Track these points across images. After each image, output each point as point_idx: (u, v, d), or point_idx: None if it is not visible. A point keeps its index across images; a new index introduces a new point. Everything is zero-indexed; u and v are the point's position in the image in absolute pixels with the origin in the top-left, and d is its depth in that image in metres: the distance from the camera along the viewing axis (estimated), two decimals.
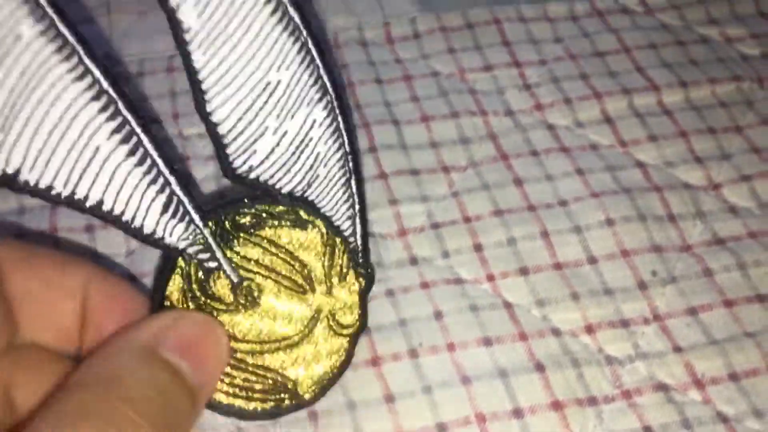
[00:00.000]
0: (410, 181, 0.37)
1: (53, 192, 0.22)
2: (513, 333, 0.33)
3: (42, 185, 0.22)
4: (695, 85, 0.41)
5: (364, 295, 0.27)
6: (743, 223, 0.36)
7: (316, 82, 0.24)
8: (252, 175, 0.25)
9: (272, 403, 0.26)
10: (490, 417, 0.31)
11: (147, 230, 0.23)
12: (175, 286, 0.25)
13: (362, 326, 0.27)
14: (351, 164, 0.26)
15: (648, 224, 0.36)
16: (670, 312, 0.34)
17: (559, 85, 0.41)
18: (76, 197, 0.22)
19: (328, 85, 0.25)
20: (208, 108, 0.23)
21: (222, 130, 0.24)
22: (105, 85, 0.21)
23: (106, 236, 0.35)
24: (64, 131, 0.21)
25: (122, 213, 0.23)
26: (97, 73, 0.21)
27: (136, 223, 0.23)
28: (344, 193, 0.26)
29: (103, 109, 0.22)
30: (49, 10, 0.20)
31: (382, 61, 0.42)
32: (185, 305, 0.25)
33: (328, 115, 0.25)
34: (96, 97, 0.21)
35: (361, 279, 0.27)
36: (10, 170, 0.21)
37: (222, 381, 0.26)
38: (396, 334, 0.32)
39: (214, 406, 0.26)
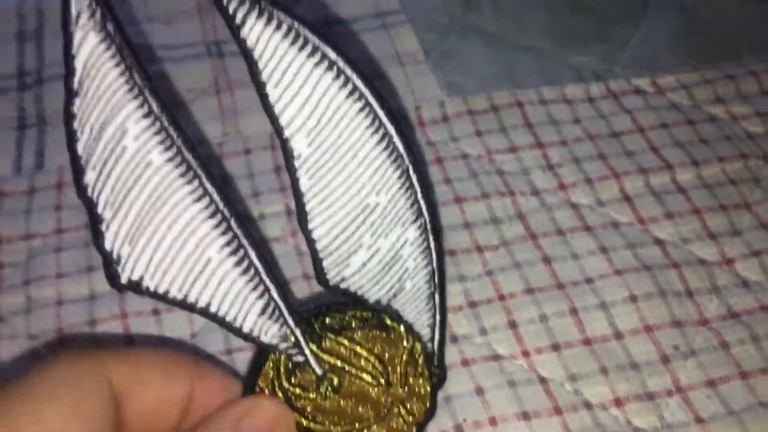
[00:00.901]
0: (448, 262, 0.41)
1: (169, 296, 0.25)
2: (549, 407, 0.36)
3: (160, 290, 0.24)
4: (706, 164, 0.45)
5: (434, 390, 0.29)
6: (755, 297, 0.39)
7: (412, 205, 0.26)
8: (343, 285, 0.27)
9: None
10: None
11: (245, 329, 0.26)
12: (265, 376, 0.28)
13: (431, 415, 0.29)
14: (437, 280, 0.28)
15: (668, 300, 0.39)
16: (692, 384, 0.37)
17: (580, 165, 0.45)
18: (188, 301, 0.25)
19: (424, 208, 0.26)
20: (310, 226, 0.25)
21: (320, 245, 0.26)
22: (221, 205, 0.24)
23: (172, 319, 0.38)
24: (182, 245, 0.24)
25: (226, 314, 0.26)
26: (215, 195, 0.24)
27: (237, 323, 0.26)
28: (427, 304, 0.28)
29: (217, 225, 0.24)
30: (178, 141, 0.23)
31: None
32: (274, 392, 0.28)
33: (420, 235, 0.27)
34: (212, 215, 0.24)
35: (434, 378, 0.29)
36: (134, 277, 0.24)
37: None
38: (442, 411, 0.35)
39: None
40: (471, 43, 0.52)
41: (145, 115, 0.23)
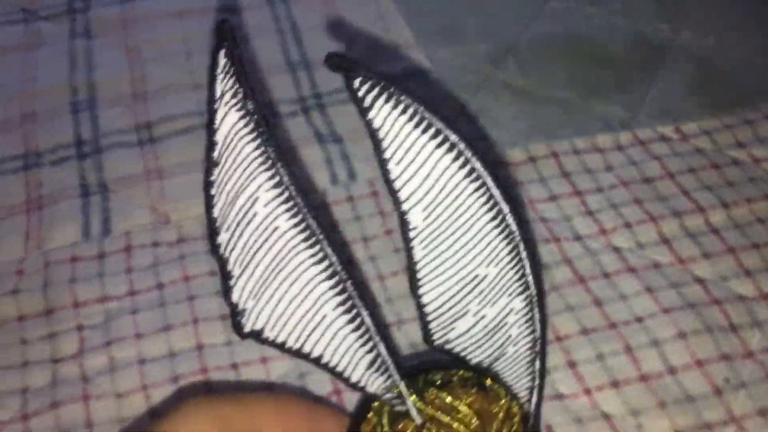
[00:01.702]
0: None
1: (286, 346, 0.27)
2: None
3: (279, 340, 0.27)
4: (735, 205, 0.48)
5: None
6: None
7: (520, 278, 0.27)
8: (447, 346, 0.29)
9: None
10: None
11: (354, 380, 0.28)
12: (369, 422, 0.29)
13: None
14: (538, 348, 0.29)
15: (715, 335, 0.42)
16: (745, 414, 0.39)
17: (618, 210, 0.48)
18: (303, 351, 0.27)
19: (531, 282, 0.27)
20: (420, 291, 0.27)
21: (428, 309, 0.28)
22: (338, 267, 0.26)
23: (249, 373, 0.40)
24: (301, 302, 0.26)
25: (337, 365, 0.28)
26: (334, 258, 0.26)
27: (346, 374, 0.28)
28: (527, 369, 0.29)
29: (334, 286, 0.26)
30: (303, 209, 0.25)
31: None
32: None
33: (525, 306, 0.28)
34: (330, 277, 0.26)
35: None
36: (257, 328, 0.27)
37: None
38: None
39: None
40: (501, 99, 0.55)
41: (276, 185, 0.25)
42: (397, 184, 0.25)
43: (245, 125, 0.25)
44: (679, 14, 0.61)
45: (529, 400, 0.30)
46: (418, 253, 0.27)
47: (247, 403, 0.29)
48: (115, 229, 0.47)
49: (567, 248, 0.46)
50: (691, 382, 0.40)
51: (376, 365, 0.28)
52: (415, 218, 0.26)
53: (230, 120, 0.25)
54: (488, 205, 0.26)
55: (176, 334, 0.42)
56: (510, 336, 0.28)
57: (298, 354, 0.27)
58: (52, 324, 0.43)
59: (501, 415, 0.29)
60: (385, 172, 0.25)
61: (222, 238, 0.26)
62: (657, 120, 0.53)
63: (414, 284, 0.27)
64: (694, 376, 0.40)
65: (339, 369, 0.28)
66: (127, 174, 0.50)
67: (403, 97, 0.24)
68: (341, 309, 0.27)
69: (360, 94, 0.24)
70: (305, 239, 0.26)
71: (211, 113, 0.25)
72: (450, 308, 0.28)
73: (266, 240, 0.25)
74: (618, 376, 0.40)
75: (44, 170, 0.50)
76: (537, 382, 0.29)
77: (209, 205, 0.26)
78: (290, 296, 0.26)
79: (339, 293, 0.26)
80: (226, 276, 0.26)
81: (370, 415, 0.29)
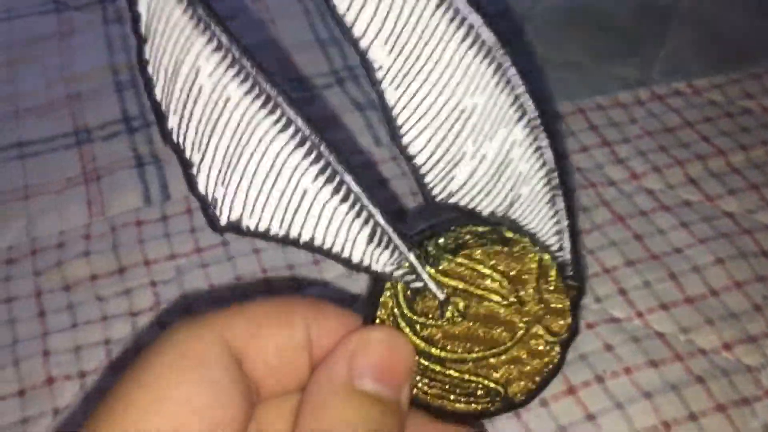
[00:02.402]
0: None
1: (271, 233, 0.24)
2: (670, 356, 0.41)
3: (261, 229, 0.24)
4: (752, 148, 0.51)
5: (575, 303, 0.27)
6: None
7: (514, 102, 0.24)
8: (452, 200, 0.25)
9: (485, 405, 0.27)
10: (672, 423, 0.38)
11: (355, 260, 0.25)
12: (385, 307, 0.26)
13: (574, 332, 0.27)
14: (556, 181, 0.25)
15: (749, 260, 0.45)
16: None
17: (646, 157, 0.51)
18: (291, 237, 0.24)
19: (527, 103, 0.24)
20: (404, 141, 0.24)
21: (419, 160, 0.24)
22: (307, 131, 0.23)
23: None
24: (275, 179, 0.23)
25: (332, 246, 0.24)
26: (300, 122, 0.23)
27: (345, 254, 0.24)
28: (550, 209, 0.26)
29: (308, 153, 0.23)
30: (253, 71, 0.22)
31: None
32: (395, 323, 0.26)
33: (529, 134, 0.24)
34: (300, 144, 0.23)
35: (571, 290, 0.26)
36: (233, 218, 0.23)
37: (436, 387, 0.26)
38: (581, 366, 0.40)
39: (431, 408, 0.26)
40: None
41: (216, 49, 0.22)
42: (348, 19, 0.22)
43: None
44: None
45: (561, 248, 0.26)
46: (391, 97, 0.23)
47: (243, 312, 0.26)
48: (173, 195, 0.49)
49: (603, 192, 0.49)
50: (732, 301, 0.43)
51: (376, 238, 0.24)
52: (378, 55, 0.23)
53: None
54: (456, 22, 0.23)
55: (246, 285, 0.44)
56: (520, 173, 0.25)
57: (286, 240, 0.24)
58: (126, 281, 0.44)
59: (534, 270, 0.26)
60: (332, 10, 0.22)
61: (171, 122, 0.22)
62: (669, 78, 0.57)
63: (396, 134, 0.24)
64: (735, 295, 0.44)
65: (336, 250, 0.24)
66: None
67: None
68: (322, 179, 0.23)
69: None
70: (263, 105, 0.23)
71: None
72: (443, 154, 0.24)
73: (220, 115, 0.22)
74: (665, 299, 0.43)
75: (96, 144, 0.52)
76: (566, 222, 0.26)
77: (148, 87, 0.22)
78: (262, 174, 0.23)
79: (315, 161, 0.23)
80: (185, 165, 0.23)
81: (384, 298, 0.26)
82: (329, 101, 0.55)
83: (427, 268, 0.25)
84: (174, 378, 0.23)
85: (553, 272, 0.26)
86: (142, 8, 0.22)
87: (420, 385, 0.26)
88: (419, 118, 0.24)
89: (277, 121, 0.23)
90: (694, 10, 0.62)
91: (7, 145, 0.52)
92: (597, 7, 0.63)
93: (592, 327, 0.42)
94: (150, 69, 0.22)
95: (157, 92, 0.22)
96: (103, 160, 0.51)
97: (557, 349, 0.27)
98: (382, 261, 0.25)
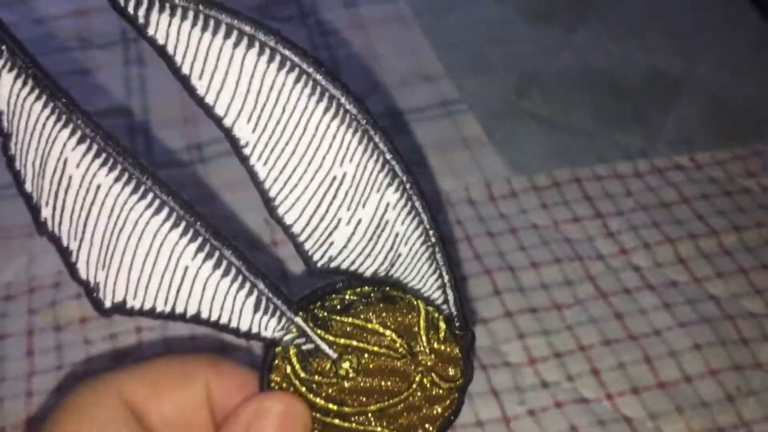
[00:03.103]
0: (531, 318, 0.46)
1: (157, 311, 0.24)
2: None
3: (146, 308, 0.24)
4: (746, 229, 0.51)
5: (467, 348, 0.27)
6: None
7: (383, 166, 0.24)
8: (333, 265, 0.25)
9: None
10: None
11: (244, 329, 0.25)
12: (279, 369, 0.26)
13: (468, 377, 0.27)
14: (433, 238, 0.26)
15: (727, 347, 0.45)
16: (755, 419, 0.42)
17: (637, 232, 0.51)
18: (177, 312, 0.24)
19: (396, 167, 0.24)
20: (279, 212, 0.24)
21: (296, 230, 0.24)
22: (181, 212, 0.23)
23: None
24: (155, 259, 0.23)
25: (219, 318, 0.24)
26: (172, 203, 0.23)
27: (233, 324, 0.25)
28: (430, 265, 0.26)
29: (184, 232, 0.23)
30: (119, 158, 0.22)
31: (490, 216, 0.52)
32: (290, 386, 0.26)
33: (401, 196, 0.25)
34: (176, 224, 0.23)
35: (460, 339, 0.27)
36: (117, 300, 0.24)
37: None
38: None
39: None
40: (527, 127, 0.59)
41: (80, 140, 0.22)
42: (209, 100, 0.22)
43: (23, 84, 0.22)
44: (694, 50, 0.65)
45: (446, 301, 0.27)
46: (260, 171, 0.24)
47: (142, 371, 0.26)
48: None
49: (590, 266, 0.49)
50: (705, 389, 0.43)
51: (262, 307, 0.25)
52: (242, 133, 0.23)
53: (6, 83, 0.22)
54: (317, 95, 0.23)
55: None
56: (397, 234, 0.25)
57: (173, 317, 0.24)
58: (113, 326, 0.46)
59: (421, 324, 0.26)
60: (190, 91, 0.22)
61: (45, 213, 0.23)
62: (673, 149, 0.57)
63: (270, 207, 0.24)
64: (709, 383, 0.43)
65: (223, 321, 0.25)
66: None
67: (177, 1, 0.21)
68: (201, 255, 0.24)
69: (130, 11, 0.21)
70: (133, 191, 0.23)
71: None
72: (319, 222, 0.25)
73: (93, 202, 0.23)
74: (638, 382, 0.44)
75: None
76: (447, 277, 0.26)
77: (18, 181, 0.23)
78: (141, 256, 0.23)
79: (192, 239, 0.23)
80: (64, 254, 0.23)
81: (277, 362, 0.26)
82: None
83: (317, 330, 0.26)
84: None
85: (441, 324, 0.27)
86: (2, 104, 0.22)
87: None
88: (291, 190, 0.24)
89: (150, 204, 0.23)
90: (707, 80, 0.62)
91: None
92: (608, 72, 0.64)
93: (560, 406, 0.43)
94: (17, 164, 0.23)
95: (27, 186, 0.23)
96: None
97: (455, 394, 0.27)
98: (270, 327, 0.25)
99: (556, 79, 0.63)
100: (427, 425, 0.27)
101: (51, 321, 0.46)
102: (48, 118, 0.22)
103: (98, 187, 0.23)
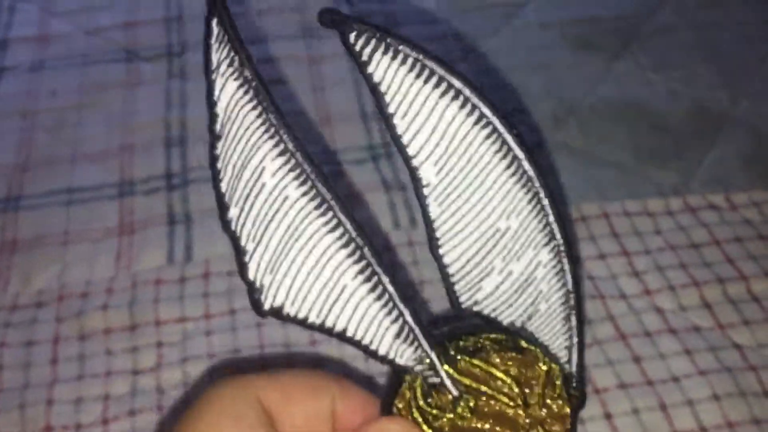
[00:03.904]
0: None
1: (309, 321, 0.26)
2: None
3: (300, 316, 0.26)
4: None
5: (575, 412, 0.28)
6: None
7: (544, 228, 0.26)
8: (476, 308, 0.27)
9: None
10: None
11: (381, 352, 0.26)
12: (402, 397, 0.28)
13: None
14: (573, 302, 0.27)
15: (748, 399, 0.44)
16: None
17: (663, 273, 0.50)
18: (326, 326, 0.26)
19: (556, 231, 0.26)
20: (441, 252, 0.26)
21: (451, 270, 0.26)
22: (353, 234, 0.25)
23: None
24: (319, 273, 0.25)
25: (362, 338, 0.26)
26: (348, 225, 0.25)
27: (373, 346, 0.26)
28: (563, 326, 0.27)
29: (351, 254, 0.25)
30: (312, 175, 0.24)
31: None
32: (409, 413, 0.27)
33: (553, 258, 0.26)
34: (345, 245, 0.25)
35: (573, 400, 0.28)
36: (276, 305, 0.25)
37: None
38: None
39: None
40: (560, 158, 0.59)
41: (281, 153, 0.24)
42: (405, 139, 0.25)
43: (244, 93, 0.24)
44: (739, 84, 0.64)
45: (569, 361, 0.28)
46: (434, 211, 0.26)
47: (278, 379, 0.29)
48: (196, 257, 0.52)
49: (611, 305, 0.49)
50: None
51: (403, 335, 0.26)
52: (427, 174, 0.25)
53: (229, 90, 0.24)
54: (501, 153, 0.25)
55: (244, 357, 0.46)
56: (541, 291, 0.27)
57: (321, 329, 0.26)
58: (135, 339, 0.47)
59: (541, 378, 0.28)
60: (390, 128, 0.25)
61: (232, 213, 0.25)
62: (708, 188, 0.56)
63: (433, 245, 0.26)
64: None
65: (365, 342, 0.26)
66: (209, 207, 0.54)
67: (401, 47, 0.24)
68: (361, 278, 0.25)
69: (357, 48, 0.24)
70: (317, 207, 0.25)
71: (210, 84, 0.24)
72: (474, 267, 0.27)
73: (277, 211, 0.25)
74: (651, 430, 0.43)
75: (137, 198, 0.55)
76: (575, 339, 0.28)
77: (215, 179, 0.25)
78: (307, 268, 0.25)
79: (357, 261, 0.25)
80: (239, 252, 0.25)
81: (403, 388, 0.28)
82: (361, 176, 0.57)
83: (445, 366, 0.27)
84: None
85: (558, 381, 0.28)
86: (219, 109, 0.24)
87: None
88: (456, 234, 0.26)
89: (328, 222, 0.25)
90: (750, 117, 0.61)
91: (58, 189, 0.56)
92: (649, 104, 0.63)
93: None
94: (219, 163, 0.25)
95: (223, 185, 0.25)
96: (140, 214, 0.54)
97: None
98: (405, 356, 0.27)
99: (594, 109, 0.62)
100: None
101: (77, 330, 0.48)
102: (258, 128, 0.24)
103: (286, 198, 0.24)
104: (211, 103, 0.24)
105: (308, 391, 0.29)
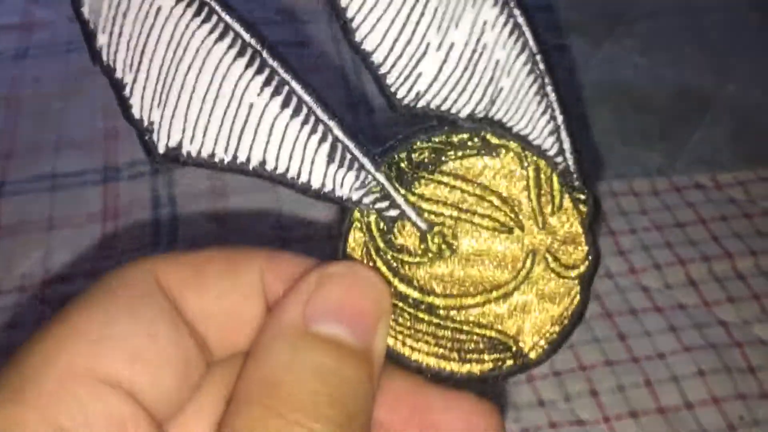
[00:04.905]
0: None
1: (216, 159, 0.21)
2: None
3: (204, 154, 0.21)
4: (763, 254, 0.50)
5: (589, 223, 0.22)
6: None
7: None
8: (421, 103, 0.21)
9: (490, 365, 0.22)
10: None
11: (315, 184, 0.21)
12: (356, 242, 0.22)
13: (595, 262, 0.22)
14: (542, 65, 0.21)
15: (733, 375, 0.44)
16: None
17: (649, 252, 0.50)
18: (238, 161, 0.21)
19: None
20: (358, 37, 0.21)
21: (377, 58, 0.21)
22: (247, 38, 0.21)
23: None
24: (216, 94, 0.21)
25: (287, 170, 0.21)
26: (238, 28, 0.20)
27: (303, 178, 0.21)
28: (539, 103, 0.21)
29: (250, 63, 0.21)
30: None
31: None
32: (370, 262, 0.22)
33: (501, 12, 0.21)
34: (241, 53, 0.21)
35: (581, 205, 0.21)
36: (172, 143, 0.21)
37: (427, 342, 0.22)
38: None
39: (422, 370, 0.22)
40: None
41: None
42: None
43: None
44: (724, 67, 0.64)
45: (561, 152, 0.21)
46: None
47: (185, 258, 0.23)
48: (181, 237, 0.51)
49: (597, 284, 0.48)
50: (706, 418, 0.42)
51: (337, 156, 0.21)
52: None
53: None
54: None
55: None
56: (498, 61, 0.21)
57: (233, 168, 0.21)
58: None
59: (531, 183, 0.21)
60: None
61: (101, 41, 0.21)
62: (694, 168, 0.56)
63: (349, 30, 0.21)
64: (710, 412, 0.42)
65: (291, 174, 0.21)
66: (195, 191, 0.54)
67: None
68: (268, 90, 0.21)
69: None
70: (196, 12, 0.20)
71: None
72: (404, 47, 0.21)
73: (152, 27, 0.20)
74: (637, 407, 0.43)
75: (122, 183, 0.55)
76: (560, 117, 0.21)
77: (76, 7, 0.21)
78: (201, 91, 0.21)
79: (259, 71, 0.21)
80: (117, 87, 0.21)
81: (353, 230, 0.22)
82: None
83: (402, 190, 0.21)
84: (104, 320, 0.21)
85: (555, 184, 0.21)
86: None
87: (404, 339, 0.22)
88: (371, 8, 0.21)
89: (214, 28, 0.20)
90: (736, 98, 0.61)
91: (41, 175, 0.56)
92: (635, 87, 0.63)
93: (555, 427, 0.42)
94: None
95: (85, 10, 0.21)
96: (124, 198, 0.54)
97: (575, 288, 0.22)
98: (347, 184, 0.22)
99: (579, 94, 0.62)
100: (541, 332, 0.21)
101: None
102: None
103: (159, 9, 0.20)
104: None
105: (222, 269, 0.23)
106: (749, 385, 0.43)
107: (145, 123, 0.21)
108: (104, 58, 0.21)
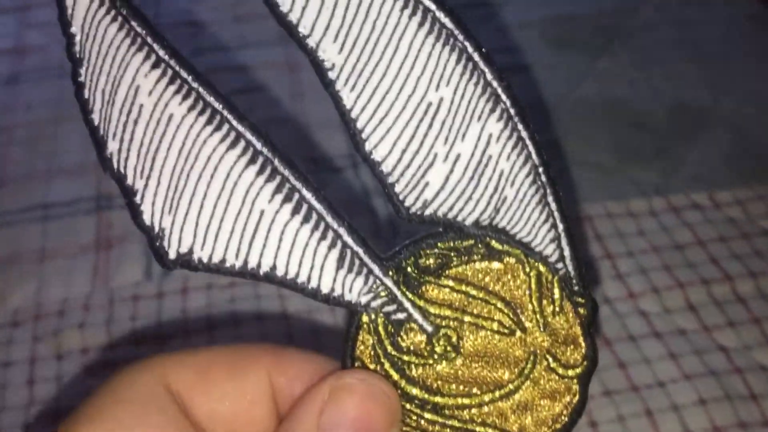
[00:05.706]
0: None
1: (227, 265, 0.21)
2: None
3: (215, 260, 0.21)
4: (763, 276, 0.49)
5: (588, 326, 0.22)
6: None
7: (484, 91, 0.21)
8: (428, 211, 0.22)
9: None
10: None
11: (325, 289, 0.22)
12: (364, 343, 0.22)
13: (593, 362, 0.23)
14: (544, 177, 0.22)
15: (734, 403, 0.43)
16: None
17: (647, 275, 0.50)
18: (249, 267, 0.21)
19: (500, 91, 0.21)
20: (368, 147, 0.21)
21: (386, 167, 0.21)
22: (259, 146, 0.21)
23: None
24: (227, 201, 0.21)
25: (297, 275, 0.22)
26: (249, 136, 0.21)
27: (312, 284, 0.22)
28: (541, 212, 0.22)
29: (261, 171, 0.21)
30: (194, 85, 0.20)
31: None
32: (377, 365, 0.22)
33: (505, 126, 0.21)
34: (252, 160, 0.21)
35: (580, 309, 0.22)
36: (183, 250, 0.21)
37: None
38: None
39: None
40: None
41: (154, 66, 0.20)
42: (293, 18, 0.20)
43: (100, 5, 0.20)
44: (721, 82, 0.63)
45: (562, 258, 0.22)
46: (348, 98, 0.21)
47: (192, 357, 0.24)
48: (174, 272, 0.51)
49: None
50: None
51: (346, 262, 0.22)
52: (328, 54, 0.21)
53: (82, 5, 0.21)
54: (409, 8, 0.21)
55: None
56: (502, 172, 0.22)
57: (244, 273, 0.21)
58: (114, 357, 0.47)
59: (533, 287, 0.22)
60: (272, 8, 0.20)
61: (111, 148, 0.21)
62: (691, 186, 0.55)
63: (358, 141, 0.21)
64: None
65: (301, 279, 0.22)
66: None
67: None
68: (279, 197, 0.21)
69: None
70: (208, 121, 0.21)
71: (61, 6, 0.21)
72: (412, 158, 0.22)
73: (163, 135, 0.21)
74: None
75: (115, 212, 0.55)
76: (561, 225, 0.22)
77: (85, 112, 0.21)
78: (212, 198, 0.21)
79: (270, 178, 0.21)
80: (127, 194, 0.21)
81: (362, 334, 0.22)
82: (341, 184, 0.56)
83: (409, 295, 0.22)
84: (111, 423, 0.21)
85: (556, 290, 0.22)
86: (75, 29, 0.21)
87: None
88: (380, 120, 0.21)
89: (225, 136, 0.21)
90: (732, 115, 0.60)
91: (33, 205, 0.55)
92: (631, 104, 0.62)
93: None
94: (86, 92, 0.21)
95: (95, 117, 0.21)
96: (118, 228, 0.54)
97: (575, 386, 0.23)
98: (355, 289, 0.22)
99: (575, 109, 0.62)
100: (543, 429, 0.22)
101: (53, 350, 0.47)
102: (122, 41, 0.20)
103: (170, 117, 0.20)
104: (65, 23, 0.21)
105: (229, 369, 0.23)
106: (751, 413, 0.43)
107: (156, 229, 0.21)
108: (114, 164, 0.21)
